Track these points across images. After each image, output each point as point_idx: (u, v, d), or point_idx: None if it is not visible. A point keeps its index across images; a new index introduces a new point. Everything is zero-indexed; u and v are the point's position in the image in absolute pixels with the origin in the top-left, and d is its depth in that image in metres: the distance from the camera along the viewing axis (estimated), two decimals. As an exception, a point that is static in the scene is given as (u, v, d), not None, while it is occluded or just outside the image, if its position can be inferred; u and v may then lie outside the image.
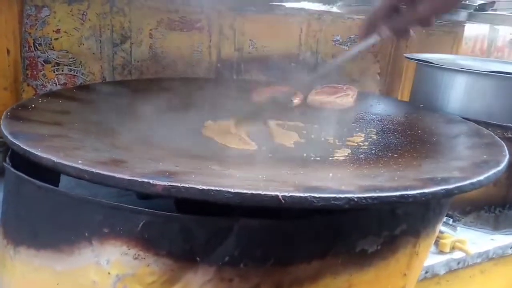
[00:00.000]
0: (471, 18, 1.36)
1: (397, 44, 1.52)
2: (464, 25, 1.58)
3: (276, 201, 0.39)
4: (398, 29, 0.67)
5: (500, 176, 0.55)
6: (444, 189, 0.45)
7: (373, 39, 0.70)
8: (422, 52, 1.32)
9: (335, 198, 0.40)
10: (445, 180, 0.47)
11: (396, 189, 0.43)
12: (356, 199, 0.41)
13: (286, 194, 0.39)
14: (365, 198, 0.41)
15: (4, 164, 0.49)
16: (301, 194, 0.40)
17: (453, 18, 1.35)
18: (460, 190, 0.46)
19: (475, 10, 1.30)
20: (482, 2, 1.34)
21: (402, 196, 0.42)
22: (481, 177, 0.49)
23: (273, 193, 0.39)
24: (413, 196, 0.42)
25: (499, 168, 0.53)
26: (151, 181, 0.40)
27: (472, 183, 0.47)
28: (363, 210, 0.48)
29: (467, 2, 1.30)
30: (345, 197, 0.40)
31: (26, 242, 0.46)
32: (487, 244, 0.88)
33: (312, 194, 0.40)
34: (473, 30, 1.77)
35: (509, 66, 1.16)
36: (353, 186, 0.45)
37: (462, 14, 1.31)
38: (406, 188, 0.43)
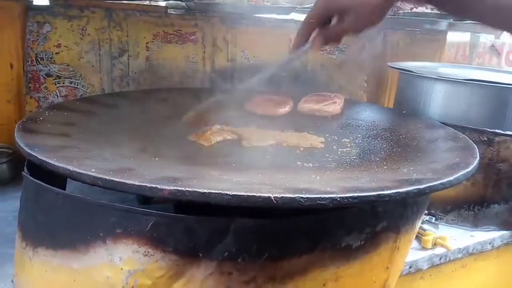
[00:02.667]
0: (451, 27, 1.44)
1: (383, 52, 1.59)
2: (446, 33, 1.66)
3: (269, 201, 0.45)
4: (329, 38, 0.71)
5: (471, 176, 0.62)
6: (417, 188, 0.51)
7: (306, 47, 0.73)
8: (407, 60, 1.39)
9: (320, 198, 0.46)
10: (418, 181, 0.53)
11: (374, 190, 0.49)
12: (338, 199, 0.46)
13: (277, 195, 0.45)
14: (346, 197, 0.46)
15: (23, 173, 0.54)
16: (291, 195, 0.45)
17: (435, 27, 1.42)
18: (431, 189, 0.52)
19: (455, 20, 1.37)
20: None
21: (379, 196, 0.48)
22: (451, 178, 0.55)
23: (266, 195, 0.45)
24: (389, 195, 0.48)
25: (468, 170, 0.59)
26: (158, 186, 0.45)
27: (442, 183, 0.53)
28: (346, 208, 0.53)
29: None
30: (329, 197, 0.46)
31: (45, 243, 0.51)
32: (467, 240, 0.94)
33: (300, 195, 0.45)
34: (455, 37, 1.85)
35: (487, 73, 1.23)
36: (336, 187, 0.51)
37: (443, 24, 1.38)
38: (383, 189, 0.49)
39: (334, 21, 0.69)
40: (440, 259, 0.89)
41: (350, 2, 0.65)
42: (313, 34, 0.72)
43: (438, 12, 1.36)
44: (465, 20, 1.35)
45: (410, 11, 1.54)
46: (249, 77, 0.88)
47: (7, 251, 0.72)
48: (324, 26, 0.70)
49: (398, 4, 0.77)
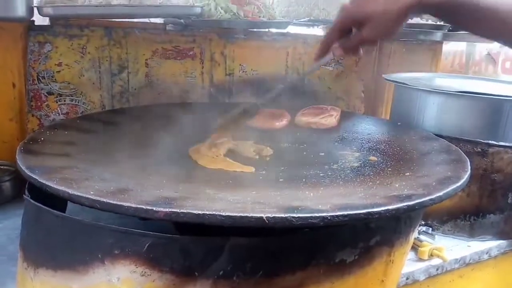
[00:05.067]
0: (446, 37, 1.46)
1: (379, 63, 1.61)
2: (442, 43, 1.67)
3: (261, 221, 0.46)
4: (349, 49, 0.76)
5: (462, 190, 0.63)
6: (406, 205, 0.52)
7: (327, 57, 0.80)
8: (403, 70, 1.40)
9: (311, 217, 0.47)
10: (408, 197, 0.55)
11: (365, 207, 0.50)
12: (329, 217, 0.48)
13: (269, 215, 0.46)
14: (337, 216, 0.48)
15: (24, 196, 0.56)
16: (282, 215, 0.47)
17: (430, 38, 1.43)
18: (421, 205, 0.53)
19: (449, 30, 1.39)
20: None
21: (369, 213, 0.49)
22: (441, 193, 0.56)
23: (258, 215, 0.46)
24: (379, 212, 0.50)
25: (458, 184, 0.61)
26: (154, 209, 0.47)
27: (431, 199, 0.54)
28: (338, 225, 0.55)
29: (441, 23, 1.39)
30: (320, 216, 0.47)
31: (45, 264, 0.53)
32: (464, 251, 0.95)
33: (292, 215, 0.47)
34: (452, 46, 1.87)
35: (482, 83, 1.24)
36: (328, 205, 0.52)
37: (437, 35, 1.39)
38: (373, 206, 0.50)
39: (353, 31, 0.75)
40: (437, 269, 0.90)
41: (368, 13, 0.70)
42: (334, 45, 0.77)
43: (433, 23, 1.38)
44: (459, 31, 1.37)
45: (405, 22, 1.56)
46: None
47: (10, 269, 0.73)
48: (345, 37, 0.75)
49: (414, 16, 0.81)
